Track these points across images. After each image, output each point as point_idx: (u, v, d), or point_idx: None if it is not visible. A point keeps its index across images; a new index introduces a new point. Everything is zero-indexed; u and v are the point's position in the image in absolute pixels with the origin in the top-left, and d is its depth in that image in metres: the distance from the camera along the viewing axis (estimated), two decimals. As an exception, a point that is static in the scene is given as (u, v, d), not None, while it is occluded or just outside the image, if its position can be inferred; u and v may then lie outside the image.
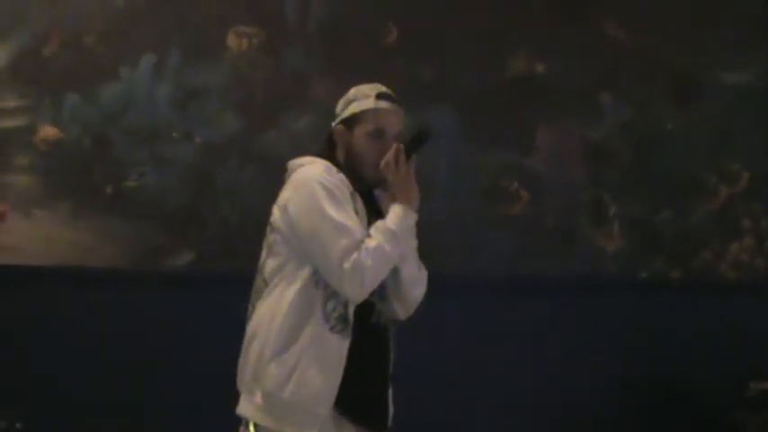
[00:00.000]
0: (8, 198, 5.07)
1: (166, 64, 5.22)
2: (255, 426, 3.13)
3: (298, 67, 5.32)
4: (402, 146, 3.18)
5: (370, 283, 3.09)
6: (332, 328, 3.10)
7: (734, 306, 5.49)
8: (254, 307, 3.21)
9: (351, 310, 3.12)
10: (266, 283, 3.18)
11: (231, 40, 5.29)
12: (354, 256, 3.05)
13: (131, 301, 4.99)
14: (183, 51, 5.23)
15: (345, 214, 3.10)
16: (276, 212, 3.21)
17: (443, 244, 5.22)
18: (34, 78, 5.13)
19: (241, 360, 3.21)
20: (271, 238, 3.22)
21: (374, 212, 3.22)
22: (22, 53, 5.12)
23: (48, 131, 5.13)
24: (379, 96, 3.25)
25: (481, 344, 5.20)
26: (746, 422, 5.22)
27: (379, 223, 3.13)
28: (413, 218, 3.17)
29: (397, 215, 3.14)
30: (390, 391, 3.27)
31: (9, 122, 5.11)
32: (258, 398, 3.12)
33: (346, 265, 3.04)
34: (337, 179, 3.15)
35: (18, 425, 4.76)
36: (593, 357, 5.33)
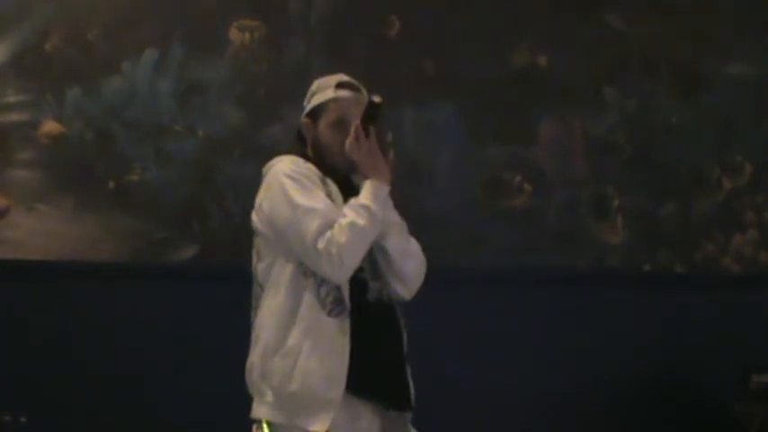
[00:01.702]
0: (11, 193, 5.06)
1: (169, 58, 5.22)
2: (269, 424, 3.12)
3: (300, 60, 5.32)
4: (359, 123, 3.16)
5: (349, 260, 3.06)
6: (329, 312, 3.09)
7: (737, 299, 5.49)
8: (255, 314, 3.22)
9: (345, 292, 3.11)
10: (262, 289, 3.19)
11: (233, 34, 5.28)
12: (328, 235, 3.04)
13: (135, 295, 4.98)
14: (185, 45, 5.22)
15: (315, 199, 3.10)
16: (254, 216, 3.23)
17: (446, 237, 5.23)
18: (37, 73, 5.12)
19: (248, 364, 3.20)
20: (255, 242, 3.24)
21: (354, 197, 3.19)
22: (25, 48, 5.11)
23: (50, 126, 5.13)
24: (339, 86, 3.24)
25: (483, 338, 5.19)
26: (750, 414, 5.22)
27: (351, 201, 3.12)
28: (385, 189, 3.14)
29: (367, 190, 3.12)
30: (409, 370, 3.22)
31: (12, 117, 5.10)
32: (269, 396, 3.11)
33: (320, 245, 3.03)
34: (305, 168, 3.16)
35: (22, 419, 4.76)
36: (596, 351, 5.33)
